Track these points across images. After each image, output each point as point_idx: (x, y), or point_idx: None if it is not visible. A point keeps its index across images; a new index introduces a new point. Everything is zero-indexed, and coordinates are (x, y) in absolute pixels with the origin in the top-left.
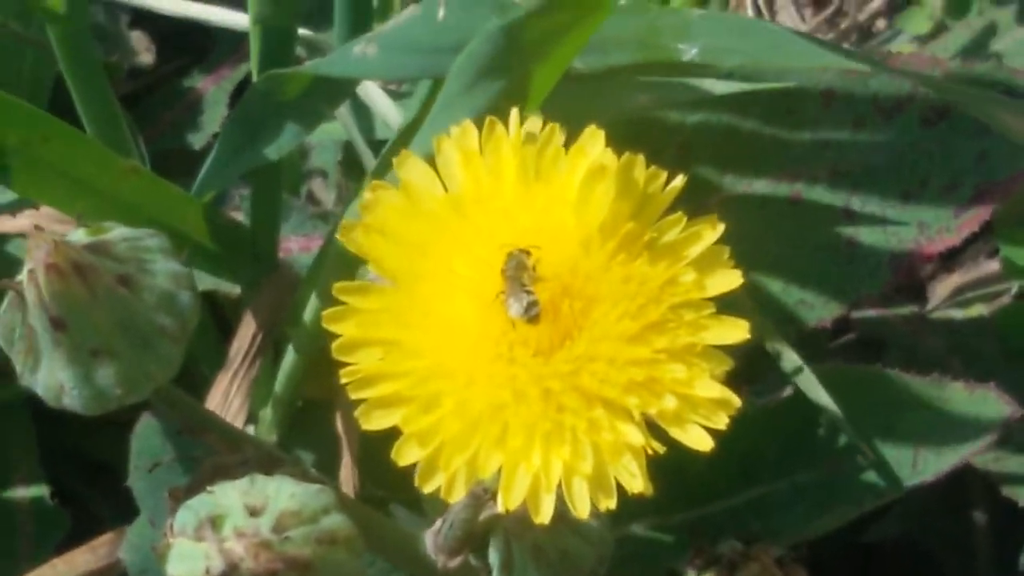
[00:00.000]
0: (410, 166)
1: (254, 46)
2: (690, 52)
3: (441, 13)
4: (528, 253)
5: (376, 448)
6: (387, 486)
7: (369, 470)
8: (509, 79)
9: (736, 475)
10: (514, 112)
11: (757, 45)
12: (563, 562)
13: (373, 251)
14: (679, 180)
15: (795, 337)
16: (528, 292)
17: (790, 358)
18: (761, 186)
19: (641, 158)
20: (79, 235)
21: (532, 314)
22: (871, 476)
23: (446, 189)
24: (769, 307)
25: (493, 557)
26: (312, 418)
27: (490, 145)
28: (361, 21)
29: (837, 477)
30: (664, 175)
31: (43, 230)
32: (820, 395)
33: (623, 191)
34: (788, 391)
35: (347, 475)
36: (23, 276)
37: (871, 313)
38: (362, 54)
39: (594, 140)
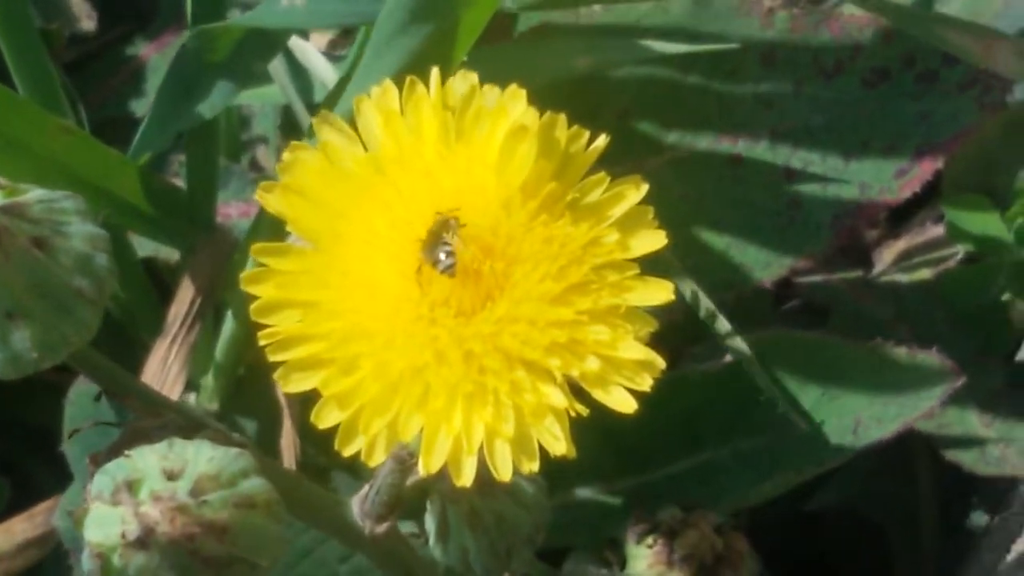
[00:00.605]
0: (329, 126)
1: (190, 5)
2: None
3: None
4: (456, 218)
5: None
6: (328, 453)
7: (311, 436)
8: (438, 23)
9: (678, 442)
10: (435, 71)
11: None
12: (499, 527)
13: (291, 212)
14: (601, 140)
15: (737, 300)
16: (447, 246)
17: (722, 324)
18: (702, 145)
19: (563, 117)
20: None
21: (448, 264)
22: (812, 443)
23: (367, 150)
24: (710, 268)
25: (429, 522)
26: (254, 385)
27: (411, 105)
28: None
29: (779, 444)
30: (586, 135)
31: None
32: (751, 363)
33: (545, 151)
34: (729, 356)
35: (287, 443)
36: None
37: (816, 278)
38: (289, 4)
39: (515, 100)
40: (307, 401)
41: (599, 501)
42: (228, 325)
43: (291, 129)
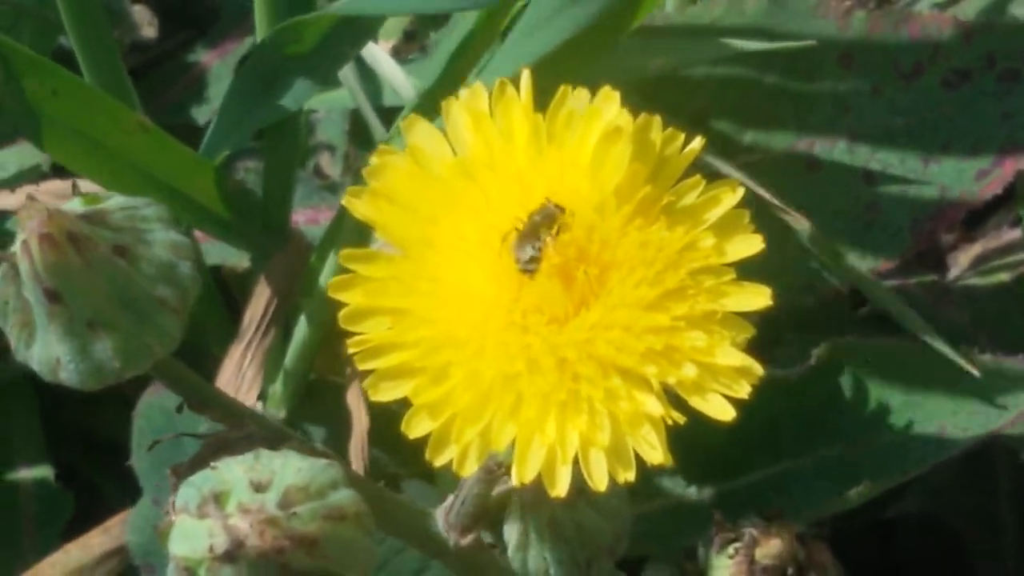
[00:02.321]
0: (418, 130)
1: (262, 3)
2: None
3: None
4: (561, 211)
5: (388, 423)
6: (400, 462)
7: (382, 445)
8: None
9: (758, 450)
10: (525, 73)
11: None
12: (580, 537)
13: (380, 217)
14: (697, 142)
15: (813, 305)
16: (537, 243)
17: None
18: (779, 147)
19: (658, 119)
20: (74, 204)
21: (528, 258)
22: (895, 452)
23: (456, 153)
24: (787, 272)
25: (508, 533)
26: (323, 393)
27: (500, 107)
28: None
29: (861, 453)
30: (682, 137)
31: (37, 201)
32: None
33: (639, 153)
34: (811, 362)
35: (357, 450)
36: (16, 247)
37: (891, 283)
38: None
39: (608, 101)
40: (375, 409)
41: (678, 510)
42: (300, 331)
43: (358, 135)
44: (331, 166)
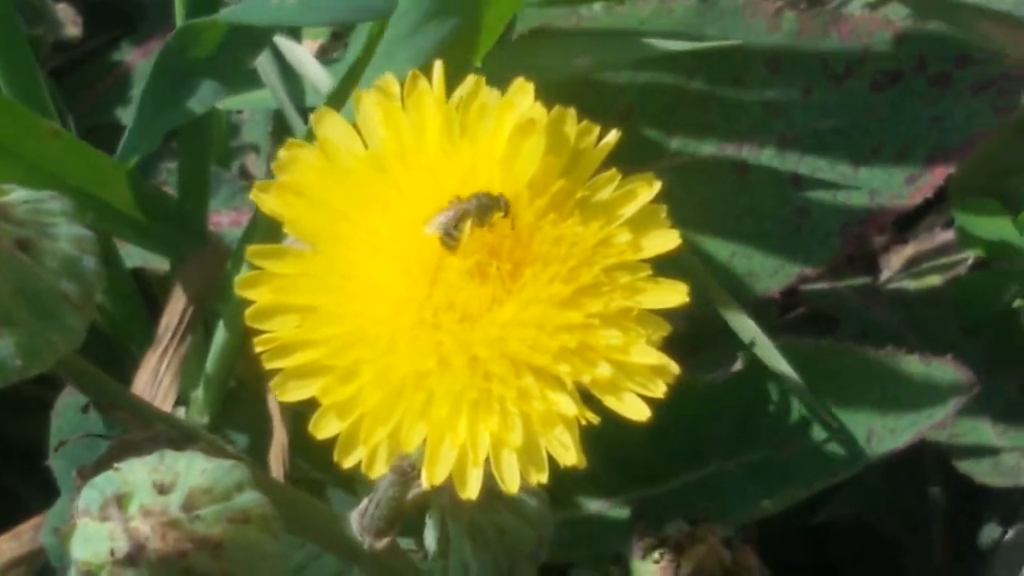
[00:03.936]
0: (328, 123)
1: (181, 4)
2: None
3: None
4: (500, 205)
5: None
6: (322, 468)
7: (305, 450)
8: (459, 21)
9: (684, 454)
10: (438, 65)
11: None
12: (501, 542)
13: (288, 212)
14: (612, 135)
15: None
16: (457, 223)
17: (746, 327)
18: (708, 151)
19: (572, 112)
20: None
21: (447, 232)
22: (823, 454)
23: (367, 146)
24: (715, 277)
25: (428, 538)
26: (246, 398)
27: (412, 100)
28: None
29: (788, 456)
30: (596, 130)
31: None
32: (780, 365)
33: (553, 147)
34: (738, 366)
35: (277, 455)
36: None
37: (822, 286)
38: (280, 2)
39: (522, 93)
40: (299, 414)
41: (603, 515)
42: (219, 336)
43: (283, 135)
44: (257, 167)
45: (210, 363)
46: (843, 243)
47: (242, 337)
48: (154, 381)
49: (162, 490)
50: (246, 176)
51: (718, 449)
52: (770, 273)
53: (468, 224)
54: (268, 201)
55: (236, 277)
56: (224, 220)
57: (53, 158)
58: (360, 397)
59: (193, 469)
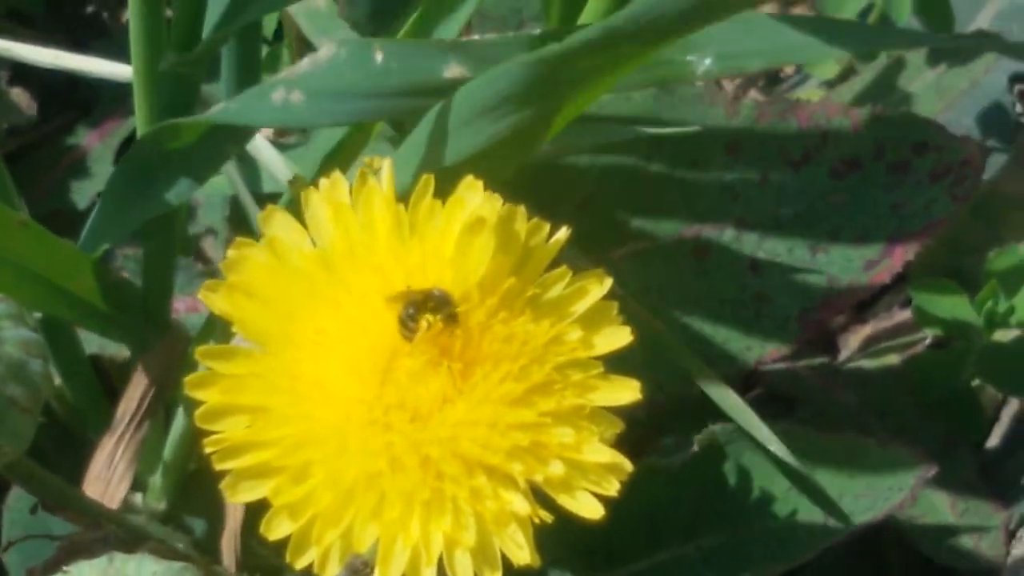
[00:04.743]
0: (276, 221)
1: (140, 96)
2: (703, 64)
3: (379, 57)
4: (452, 308)
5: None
6: (282, 553)
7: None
8: (528, 112)
9: (641, 538)
10: (387, 163)
11: (777, 42)
12: None
13: (237, 312)
14: (563, 233)
15: (700, 394)
16: (416, 311)
17: (732, 402)
18: (666, 235)
19: (522, 209)
20: None
21: (407, 317)
22: (782, 538)
23: (316, 245)
24: (674, 363)
25: None
26: (204, 484)
27: (361, 198)
28: (251, 70)
29: (747, 540)
30: (547, 227)
31: None
32: (767, 440)
33: (503, 245)
34: (694, 448)
35: (228, 544)
36: None
37: (781, 366)
38: (283, 101)
39: (472, 191)
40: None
41: None
42: (178, 423)
43: (239, 221)
44: (214, 250)
45: (168, 450)
46: (802, 328)
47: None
48: (109, 467)
49: None
50: (203, 260)
51: (676, 533)
52: (729, 360)
53: (427, 317)
54: (217, 302)
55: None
56: (181, 307)
57: (17, 248)
58: (312, 498)
59: (143, 572)
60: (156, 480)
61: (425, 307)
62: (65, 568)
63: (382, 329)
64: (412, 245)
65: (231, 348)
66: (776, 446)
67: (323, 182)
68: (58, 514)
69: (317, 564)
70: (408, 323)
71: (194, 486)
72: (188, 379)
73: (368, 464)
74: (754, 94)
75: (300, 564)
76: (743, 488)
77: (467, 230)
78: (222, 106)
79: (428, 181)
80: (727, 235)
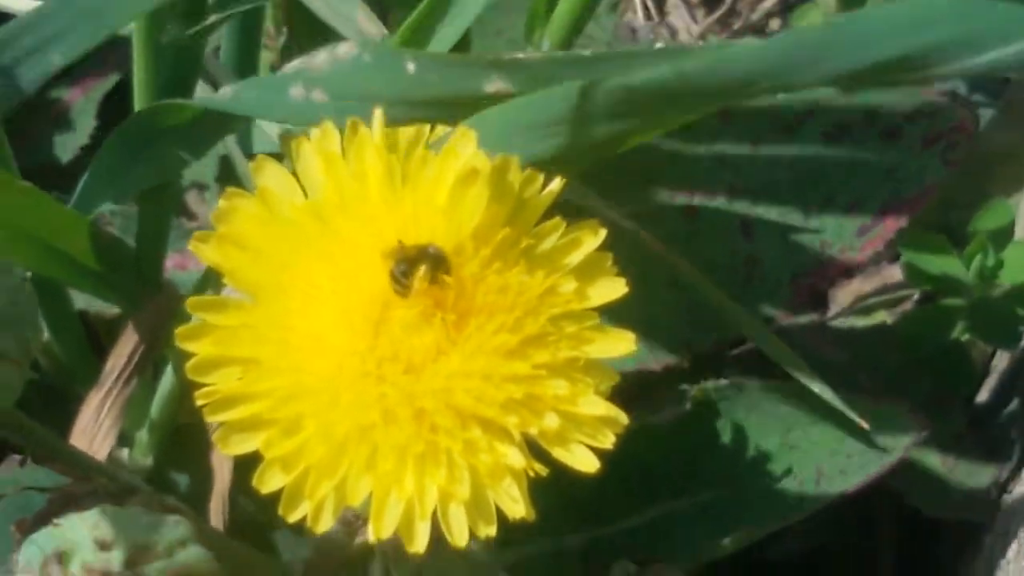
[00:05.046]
0: (267, 171)
1: (140, 67)
2: None
3: (412, 67)
4: (445, 264)
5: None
6: (268, 511)
7: (250, 492)
8: (571, 139)
9: (634, 494)
10: (377, 112)
11: None
12: None
13: (228, 263)
14: (556, 183)
15: (692, 355)
16: (409, 267)
17: (774, 345)
18: (656, 202)
19: (515, 159)
20: None
21: (400, 274)
22: (774, 495)
23: (307, 196)
24: (666, 325)
25: None
26: (190, 441)
27: (353, 148)
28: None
29: (739, 496)
30: (541, 178)
31: None
32: (812, 383)
33: (497, 195)
34: (685, 406)
35: (217, 504)
36: None
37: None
38: (304, 98)
39: (465, 141)
40: (243, 456)
41: (551, 557)
42: (166, 380)
43: (229, 179)
44: (201, 204)
45: (155, 407)
46: (794, 293)
47: (187, 383)
48: (96, 422)
49: (104, 546)
50: (188, 214)
51: (668, 489)
52: (721, 322)
53: (421, 270)
54: (208, 252)
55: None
56: (168, 264)
57: (10, 208)
58: (304, 450)
59: (135, 525)
60: (142, 436)
61: (418, 264)
62: (56, 521)
63: (374, 280)
64: (404, 195)
65: (222, 299)
66: (823, 389)
67: (314, 132)
68: (47, 466)
69: (311, 517)
70: (401, 279)
71: (179, 443)
72: (179, 331)
73: (361, 416)
74: None
75: (293, 517)
76: (737, 445)
77: (461, 180)
78: (233, 94)
79: (421, 131)
80: (719, 200)
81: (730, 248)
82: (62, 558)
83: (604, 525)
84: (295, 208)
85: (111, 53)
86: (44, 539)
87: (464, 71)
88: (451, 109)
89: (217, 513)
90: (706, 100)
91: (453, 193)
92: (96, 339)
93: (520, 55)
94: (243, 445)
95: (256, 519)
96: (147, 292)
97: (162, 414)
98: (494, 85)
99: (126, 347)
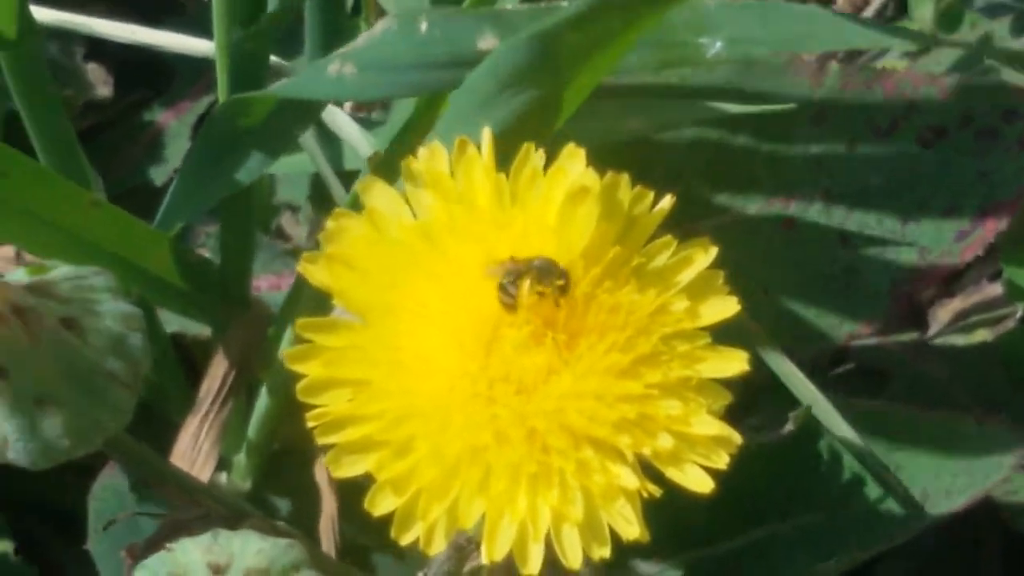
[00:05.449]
0: (376, 192)
1: (221, 73)
2: (714, 47)
3: (424, 26)
4: (559, 273)
5: (356, 494)
6: (370, 533)
7: (350, 517)
8: (538, 90)
9: (737, 516)
10: (486, 132)
11: (786, 31)
12: None
13: (337, 284)
14: (667, 201)
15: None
16: (516, 279)
17: (804, 388)
18: (753, 209)
19: (626, 177)
20: (19, 275)
21: (508, 284)
22: (878, 517)
23: (415, 216)
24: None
25: None
26: (289, 464)
27: (461, 167)
28: (328, 46)
29: (842, 519)
30: (651, 195)
31: None
32: (840, 427)
33: (607, 213)
34: (790, 427)
35: (327, 527)
36: None
37: (870, 341)
38: (337, 74)
39: (574, 160)
40: (342, 480)
41: None
42: (262, 401)
43: (321, 198)
44: (294, 226)
45: (253, 429)
46: (893, 302)
47: (286, 403)
48: (194, 447)
49: (217, 571)
50: (282, 237)
51: (771, 512)
52: (819, 334)
53: (527, 283)
54: (316, 273)
55: (281, 345)
56: (263, 284)
57: (93, 228)
58: (416, 472)
59: (248, 549)
60: (240, 459)
61: (526, 275)
62: (168, 546)
63: (484, 300)
64: (514, 214)
65: (332, 320)
66: (846, 430)
67: (422, 152)
68: (157, 491)
69: (423, 540)
70: (508, 290)
71: (278, 467)
72: (288, 352)
73: (473, 437)
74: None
75: (405, 540)
76: (839, 466)
77: (570, 198)
78: (284, 80)
79: (529, 148)
80: (815, 207)
81: (828, 257)
82: None
83: (709, 547)
84: (403, 228)
85: (203, 75)
86: (157, 564)
87: (462, 25)
88: (456, 70)
89: (327, 536)
90: (617, 23)
91: (563, 212)
92: (193, 364)
93: (508, 6)
94: (354, 467)
95: (356, 541)
96: (235, 311)
97: (260, 436)
98: (486, 41)
99: (219, 369)
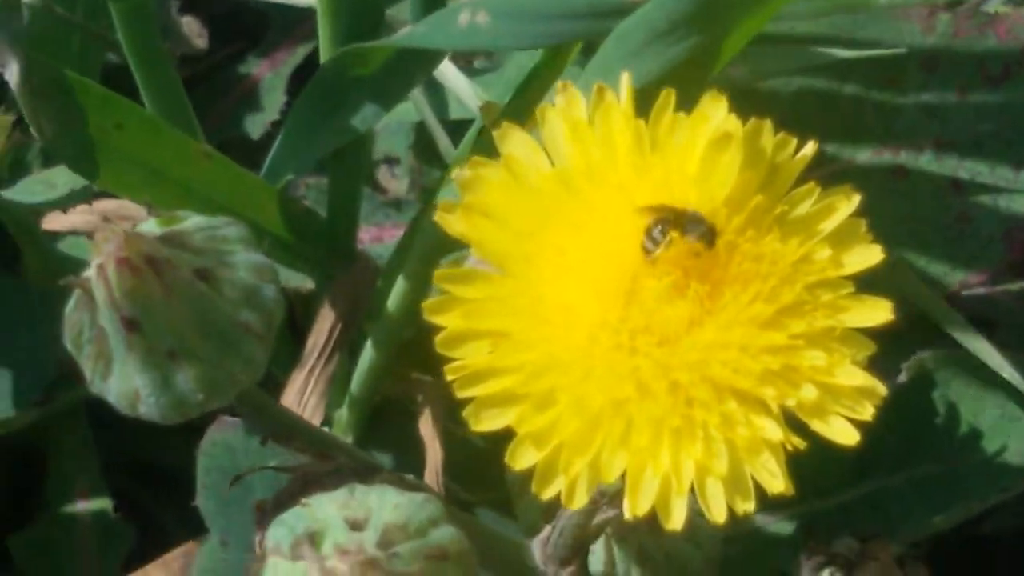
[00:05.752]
0: (513, 139)
1: (324, 22)
2: None
3: None
4: (706, 228)
5: (457, 448)
6: (471, 488)
7: (451, 471)
8: (694, 40)
9: (851, 469)
10: (624, 77)
11: None
12: (669, 565)
13: (475, 233)
14: (810, 147)
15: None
16: (664, 228)
17: (965, 332)
18: (863, 158)
19: (768, 123)
20: (150, 226)
21: (656, 233)
22: (993, 468)
23: (553, 164)
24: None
25: (594, 563)
26: (390, 418)
27: (599, 114)
28: None
29: (957, 470)
30: (794, 142)
31: (112, 222)
32: (1004, 368)
33: (749, 161)
34: (902, 377)
35: (432, 480)
36: (91, 272)
37: (979, 291)
38: (469, 23)
39: (716, 105)
40: (447, 435)
41: (768, 530)
42: (367, 356)
43: (423, 148)
44: (391, 180)
45: (356, 383)
46: (1007, 249)
47: (389, 357)
48: (300, 401)
49: (355, 527)
50: (379, 189)
51: (884, 464)
52: (932, 281)
53: (674, 233)
54: (454, 223)
55: (389, 298)
56: (365, 236)
57: (203, 179)
58: (557, 426)
59: (386, 504)
60: (342, 414)
61: (676, 225)
62: (303, 501)
63: (624, 250)
64: (654, 162)
65: (470, 271)
66: (1008, 372)
67: (559, 99)
68: (287, 446)
69: (565, 494)
70: (655, 238)
71: (380, 420)
72: (426, 304)
73: (615, 389)
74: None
75: (547, 494)
76: (953, 417)
77: (713, 145)
78: (408, 29)
79: (669, 94)
80: (926, 156)
81: (940, 205)
82: (313, 539)
83: (823, 500)
84: (541, 176)
85: (298, 26)
86: (293, 520)
87: None
88: (602, 20)
89: (433, 485)
90: None
91: (705, 159)
92: (292, 316)
93: None
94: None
95: (459, 497)
96: (341, 263)
97: (363, 390)
98: None
99: (325, 323)
